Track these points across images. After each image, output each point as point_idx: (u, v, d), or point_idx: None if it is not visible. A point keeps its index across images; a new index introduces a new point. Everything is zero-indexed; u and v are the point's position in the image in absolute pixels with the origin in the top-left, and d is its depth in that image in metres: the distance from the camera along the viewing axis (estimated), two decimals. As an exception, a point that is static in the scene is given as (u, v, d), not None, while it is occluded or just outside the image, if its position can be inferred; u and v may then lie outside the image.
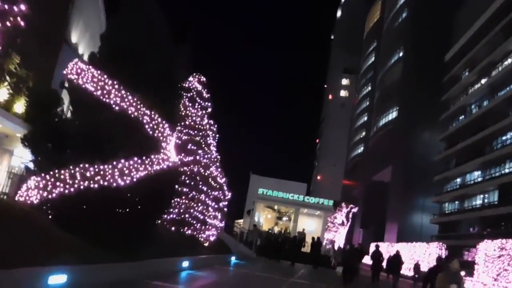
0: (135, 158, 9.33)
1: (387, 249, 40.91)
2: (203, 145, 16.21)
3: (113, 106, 9.41)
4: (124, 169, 9.09)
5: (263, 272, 17.30)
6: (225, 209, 17.63)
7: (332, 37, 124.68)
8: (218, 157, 17.15)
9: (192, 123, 16.19)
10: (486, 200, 45.46)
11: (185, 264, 13.43)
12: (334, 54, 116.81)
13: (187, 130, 15.99)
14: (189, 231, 15.33)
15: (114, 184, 8.89)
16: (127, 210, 9.67)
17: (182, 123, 16.04)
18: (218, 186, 16.52)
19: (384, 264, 23.56)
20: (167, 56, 10.81)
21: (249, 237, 26.63)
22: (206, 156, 16.17)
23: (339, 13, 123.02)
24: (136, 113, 9.62)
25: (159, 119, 10.13)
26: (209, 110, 17.31)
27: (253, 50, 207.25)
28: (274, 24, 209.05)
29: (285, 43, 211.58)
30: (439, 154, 56.72)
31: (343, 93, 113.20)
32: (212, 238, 16.64)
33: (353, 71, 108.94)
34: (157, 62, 10.22)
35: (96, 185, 8.47)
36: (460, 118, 54.58)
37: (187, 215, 15.18)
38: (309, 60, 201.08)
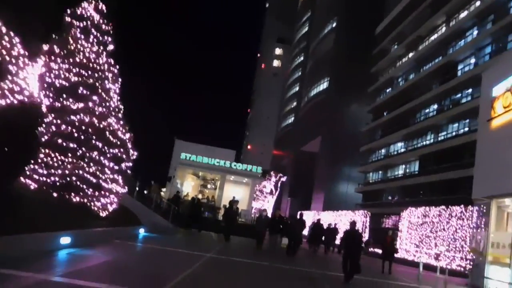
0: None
1: (313, 217, 40.49)
2: (99, 90, 12.73)
3: None
4: None
5: (176, 247, 14.58)
6: (129, 172, 14.45)
7: (267, 5, 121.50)
8: (121, 107, 13.76)
9: (85, 60, 12.59)
10: (407, 170, 46.58)
11: (65, 240, 10.25)
12: (268, 23, 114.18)
13: (77, 69, 12.39)
14: (78, 198, 12.03)
15: None
16: None
17: (71, 60, 12.40)
18: (119, 143, 13.23)
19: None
20: None
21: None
22: (103, 104, 12.75)
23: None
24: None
25: (3, 30, 6.69)
26: (110, 47, 13.75)
27: (187, 12, 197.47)
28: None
29: (220, 7, 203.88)
30: (367, 125, 57.31)
31: (276, 63, 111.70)
32: (111, 207, 13.46)
33: (286, 41, 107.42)
34: None
35: None
36: (388, 90, 55.17)
37: (74, 178, 11.83)
38: (243, 26, 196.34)
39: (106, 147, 12.58)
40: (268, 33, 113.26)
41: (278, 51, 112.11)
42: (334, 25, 72.50)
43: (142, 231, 16.77)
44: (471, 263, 18.90)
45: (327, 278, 12.80)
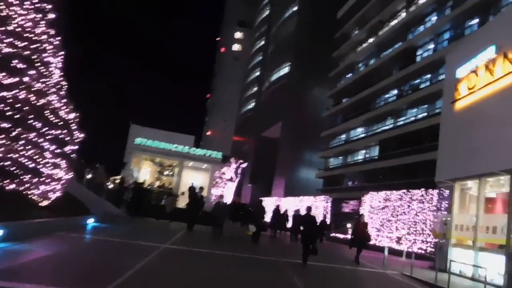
0: None
1: (274, 203, 40.13)
2: (37, 63, 11.19)
3: None
4: None
5: (129, 238, 13.39)
6: (74, 156, 13.02)
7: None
8: (64, 83, 12.26)
9: (19, 29, 10.97)
10: (367, 155, 47.05)
11: (-5, 234, 8.89)
12: (229, 6, 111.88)
13: (10, 39, 10.76)
14: (13, 185, 10.56)
15: None
16: None
17: (3, 28, 10.75)
18: (61, 123, 11.79)
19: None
20: None
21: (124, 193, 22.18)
22: (41, 80, 11.22)
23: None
24: None
25: None
26: (51, 16, 12.14)
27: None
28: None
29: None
30: (328, 110, 57.38)
31: (236, 47, 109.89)
32: (53, 195, 12.06)
33: (247, 25, 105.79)
34: None
35: None
36: (349, 75, 55.32)
37: (8, 162, 10.34)
38: (203, 8, 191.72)
39: (46, 128, 11.12)
40: (229, 16, 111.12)
41: (238, 34, 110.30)
42: (295, 8, 71.80)
43: (91, 221, 15.40)
44: (432, 245, 18.99)
45: (292, 266, 12.12)
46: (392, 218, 22.82)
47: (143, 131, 35.95)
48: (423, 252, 19.31)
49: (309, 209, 13.56)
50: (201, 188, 20.03)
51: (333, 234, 29.06)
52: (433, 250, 18.69)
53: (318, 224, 26.22)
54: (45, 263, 8.21)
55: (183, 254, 11.84)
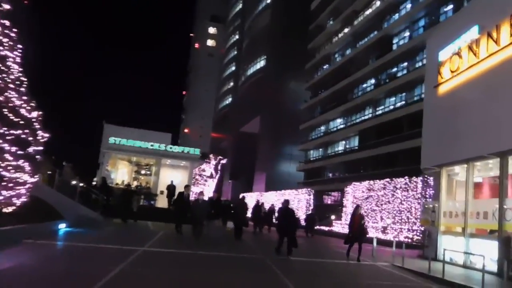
0: None
1: (256, 198, 39.59)
2: (-8, 57, 10.14)
3: None
4: None
5: (104, 243, 12.54)
6: (38, 157, 12.03)
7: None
8: (23, 79, 11.21)
9: (-31, 19, 9.91)
10: (347, 146, 46.95)
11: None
12: (201, 0, 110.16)
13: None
14: (-30, 192, 9.56)
15: None
16: None
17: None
18: (23, 123, 10.78)
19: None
20: None
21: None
22: (-3, 75, 10.18)
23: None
24: None
25: None
26: (6, 7, 11.06)
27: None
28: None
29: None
30: (306, 103, 57.06)
31: (210, 42, 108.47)
32: (18, 201, 11.05)
33: (220, 20, 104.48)
34: None
35: None
36: (325, 66, 55.08)
37: (-38, 167, 9.32)
38: (174, 4, 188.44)
39: (5, 128, 10.09)
40: (201, 11, 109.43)
41: (212, 30, 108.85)
42: (269, 1, 71.10)
43: (62, 227, 14.40)
44: (419, 234, 18.73)
45: (279, 263, 11.49)
46: (377, 208, 22.53)
47: (118, 130, 34.73)
48: (409, 240, 19.04)
49: (286, 202, 13.80)
50: (187, 187, 19.02)
51: (317, 227, 28.65)
52: (420, 238, 18.45)
53: (309, 217, 26.05)
54: (7, 276, 7.30)
55: (163, 256, 11.08)
